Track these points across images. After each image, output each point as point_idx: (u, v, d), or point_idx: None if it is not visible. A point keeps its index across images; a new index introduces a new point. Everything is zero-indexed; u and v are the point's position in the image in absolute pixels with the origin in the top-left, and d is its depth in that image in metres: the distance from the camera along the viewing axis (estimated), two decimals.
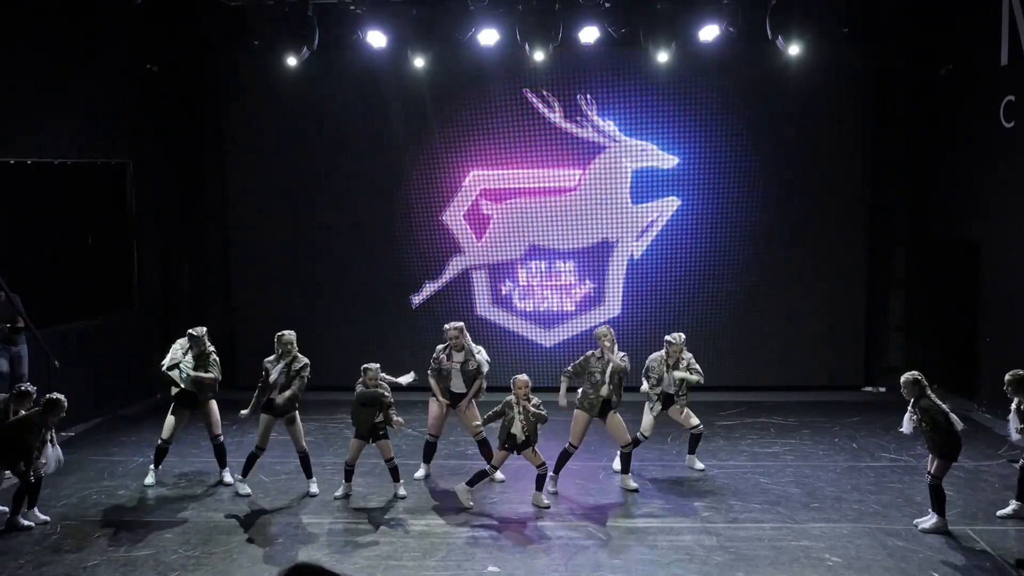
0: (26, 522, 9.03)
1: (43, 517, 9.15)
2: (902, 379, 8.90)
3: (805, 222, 14.31)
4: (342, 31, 13.70)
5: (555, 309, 14.58)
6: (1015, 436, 9.08)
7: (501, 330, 14.60)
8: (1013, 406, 9.04)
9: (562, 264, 14.55)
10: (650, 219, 14.35)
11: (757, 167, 14.20)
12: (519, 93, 14.21)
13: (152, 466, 10.31)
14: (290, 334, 9.90)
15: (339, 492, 9.84)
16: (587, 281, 14.55)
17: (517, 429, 9.33)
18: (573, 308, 14.56)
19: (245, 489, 9.95)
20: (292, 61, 13.12)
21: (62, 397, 9.05)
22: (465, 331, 10.41)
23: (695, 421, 10.48)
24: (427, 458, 10.51)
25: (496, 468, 9.78)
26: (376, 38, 13.45)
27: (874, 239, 14.48)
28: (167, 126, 14.66)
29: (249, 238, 14.91)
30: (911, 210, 14.46)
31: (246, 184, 14.83)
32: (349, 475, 9.82)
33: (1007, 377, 9.09)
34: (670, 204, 14.32)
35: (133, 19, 13.50)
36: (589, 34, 13.48)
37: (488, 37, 13.40)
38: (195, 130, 14.98)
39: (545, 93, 14.20)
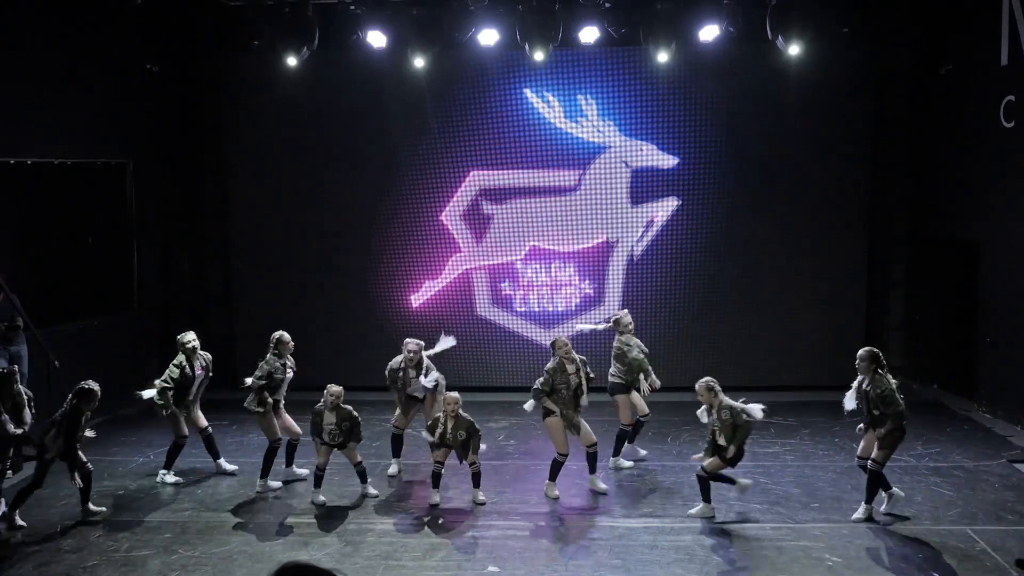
0: (20, 521, 9.07)
1: (99, 508, 9.43)
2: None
3: (805, 222, 14.31)
4: (342, 31, 13.72)
5: (555, 309, 14.59)
6: (850, 406, 9.15)
7: (501, 330, 14.61)
8: (856, 382, 9.10)
9: (562, 264, 14.56)
10: (650, 219, 14.36)
11: (757, 167, 14.21)
12: (519, 93, 14.22)
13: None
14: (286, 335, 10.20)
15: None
16: (587, 281, 14.55)
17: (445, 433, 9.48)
18: (573, 308, 14.57)
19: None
20: (292, 61, 13.13)
21: (96, 387, 9.13)
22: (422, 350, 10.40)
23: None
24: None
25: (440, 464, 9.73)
26: (376, 38, 13.47)
27: (874, 239, 14.48)
28: (167, 126, 14.68)
29: (249, 238, 14.93)
30: (911, 210, 14.46)
31: (246, 184, 14.84)
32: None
33: (861, 352, 9.04)
34: (670, 204, 14.32)
35: (133, 19, 13.52)
36: (589, 34, 13.50)
37: (488, 37, 13.41)
38: (195, 130, 15.00)
39: (545, 93, 14.21)
